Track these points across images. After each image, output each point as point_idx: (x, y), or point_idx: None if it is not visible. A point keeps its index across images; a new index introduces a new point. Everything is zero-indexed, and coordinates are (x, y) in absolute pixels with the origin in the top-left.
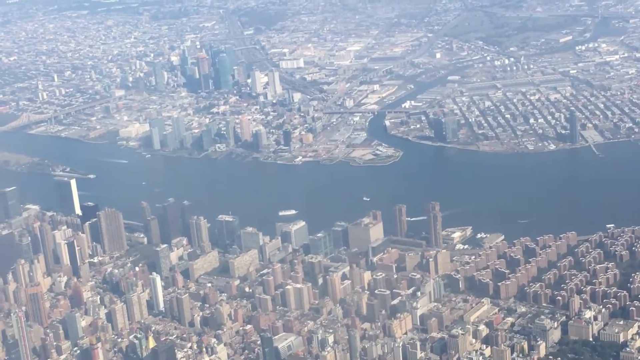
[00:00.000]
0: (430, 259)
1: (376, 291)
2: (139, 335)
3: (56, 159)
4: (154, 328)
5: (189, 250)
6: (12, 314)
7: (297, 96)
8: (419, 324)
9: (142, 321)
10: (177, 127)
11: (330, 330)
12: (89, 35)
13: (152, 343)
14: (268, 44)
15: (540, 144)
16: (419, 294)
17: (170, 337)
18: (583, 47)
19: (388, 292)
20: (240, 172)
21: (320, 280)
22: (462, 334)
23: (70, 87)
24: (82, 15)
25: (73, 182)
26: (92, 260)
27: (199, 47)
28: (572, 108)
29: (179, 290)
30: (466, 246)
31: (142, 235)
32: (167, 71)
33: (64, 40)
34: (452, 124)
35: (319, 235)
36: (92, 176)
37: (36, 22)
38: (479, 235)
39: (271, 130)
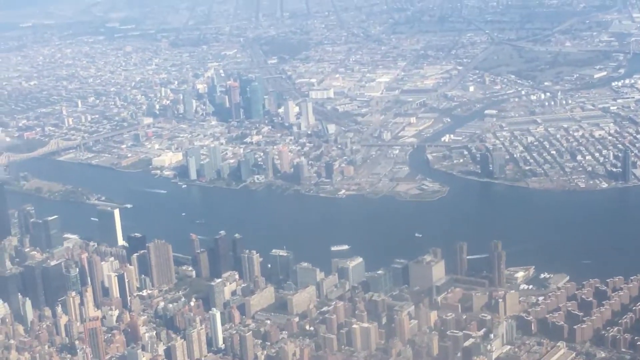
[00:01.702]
0: (500, 300)
1: (448, 332)
2: None
3: (90, 187)
4: None
5: (242, 285)
6: (78, 350)
7: (331, 127)
8: None
9: (203, 359)
10: (214, 157)
11: None
12: (109, 61)
13: None
14: (294, 74)
15: (591, 182)
16: (491, 336)
17: None
18: (619, 83)
19: (460, 333)
20: (283, 205)
21: (385, 320)
22: None
23: (95, 113)
24: (99, 40)
25: (116, 212)
26: (140, 293)
27: (223, 75)
28: (620, 145)
29: (239, 327)
30: (531, 286)
31: (190, 268)
32: (194, 99)
33: (83, 66)
34: (500, 159)
35: (379, 272)
36: (129, 206)
37: (53, 47)
38: (542, 275)
39: (310, 162)
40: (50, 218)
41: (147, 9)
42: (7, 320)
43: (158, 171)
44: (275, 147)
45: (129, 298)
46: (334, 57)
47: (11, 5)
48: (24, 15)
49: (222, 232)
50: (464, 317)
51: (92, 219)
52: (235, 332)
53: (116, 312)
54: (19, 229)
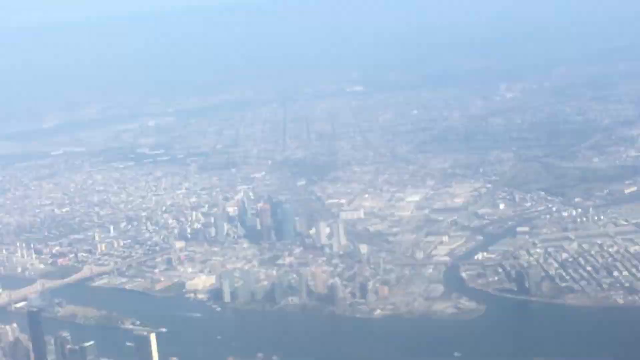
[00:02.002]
0: None
1: None
2: None
3: (124, 311)
4: None
5: None
6: None
7: (363, 248)
8: None
9: None
10: (248, 279)
11: None
12: (139, 186)
13: None
14: (324, 195)
15: (630, 298)
16: None
17: None
18: None
19: None
20: (318, 327)
21: None
22: None
23: (127, 238)
24: (130, 166)
25: (152, 337)
26: None
27: (253, 197)
28: None
29: None
30: None
31: None
32: (226, 222)
33: (114, 192)
34: (535, 276)
35: None
36: (163, 330)
37: (84, 174)
38: None
39: (344, 283)
40: (86, 344)
41: (176, 134)
42: None
43: (192, 294)
44: (308, 268)
45: None
46: (362, 178)
47: (43, 134)
48: (55, 143)
49: (260, 355)
50: None
51: (128, 343)
52: None
53: None
54: (55, 355)
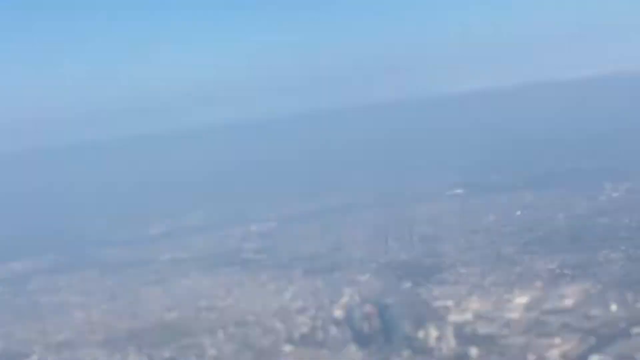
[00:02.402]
0: None
1: None
2: None
3: None
4: None
5: None
6: None
7: (473, 351)
8: None
9: None
10: None
11: None
12: (245, 291)
13: None
14: (430, 297)
15: None
16: None
17: None
18: None
19: None
20: None
21: None
22: None
23: (236, 343)
24: (235, 270)
25: None
26: None
27: (358, 300)
28: None
29: None
30: None
31: None
32: (333, 325)
33: (221, 296)
34: None
35: None
36: None
37: (191, 279)
38: None
39: None
40: None
41: (279, 238)
42: None
43: None
44: None
45: None
46: (468, 279)
47: (150, 241)
48: (161, 249)
49: None
50: None
51: None
52: None
53: None
54: None
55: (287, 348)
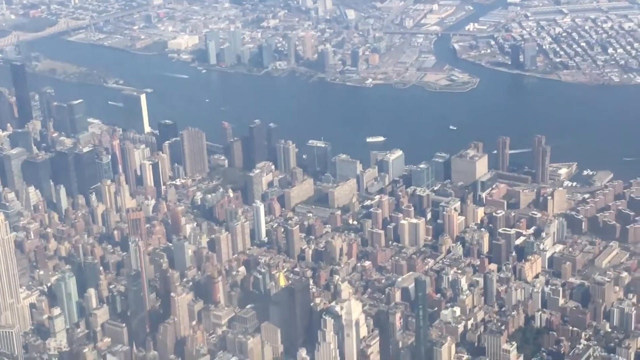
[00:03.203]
0: (549, 197)
1: (499, 230)
2: (262, 270)
3: (105, 69)
4: (263, 260)
5: (280, 176)
6: (130, 243)
7: (350, 13)
8: (547, 267)
9: (247, 252)
10: (234, 41)
11: (459, 271)
12: None
13: (283, 280)
14: None
15: (625, 76)
16: (543, 234)
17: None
18: None
19: (512, 231)
20: (310, 93)
21: (430, 215)
22: (607, 281)
23: None
24: None
25: (143, 97)
26: (174, 182)
27: None
28: None
29: (281, 220)
30: (575, 184)
31: (222, 157)
32: None
33: None
34: (531, 50)
35: (421, 166)
36: (149, 90)
37: None
38: (585, 172)
39: (333, 49)
40: (75, 102)
41: None
42: (40, 207)
43: (175, 55)
44: (297, 32)
45: (162, 187)
46: None
47: None
48: None
49: (257, 121)
50: (512, 214)
51: (110, 102)
52: (278, 225)
53: (152, 202)
54: (40, 112)
55: (157, 1)
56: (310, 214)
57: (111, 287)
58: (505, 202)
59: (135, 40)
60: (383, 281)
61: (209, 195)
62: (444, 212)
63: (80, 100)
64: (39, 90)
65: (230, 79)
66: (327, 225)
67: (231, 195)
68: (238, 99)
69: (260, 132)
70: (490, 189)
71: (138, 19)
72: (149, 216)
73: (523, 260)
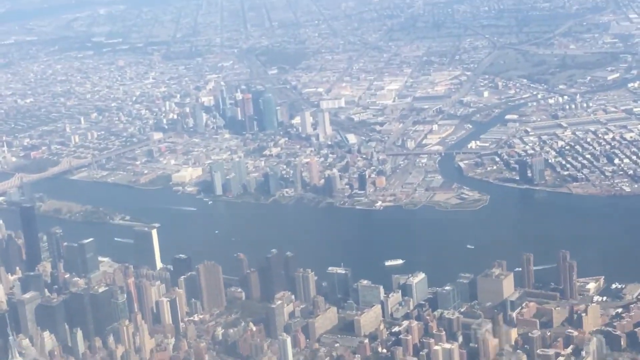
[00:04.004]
0: (582, 314)
1: (537, 351)
2: None
3: (111, 206)
4: None
5: (301, 306)
6: None
7: (351, 137)
8: None
9: None
10: (239, 171)
11: None
12: (103, 76)
13: None
14: (299, 84)
15: (636, 186)
16: (582, 353)
17: None
18: (636, 84)
19: (551, 352)
20: (321, 219)
21: (461, 339)
22: None
23: (100, 129)
24: (89, 55)
25: (154, 233)
26: (192, 318)
27: (225, 86)
28: None
29: (308, 352)
30: (605, 298)
31: (239, 289)
32: (203, 112)
33: (78, 81)
34: (539, 165)
35: (446, 288)
36: (156, 225)
37: (41, 63)
38: (614, 286)
39: (338, 174)
40: (85, 241)
41: (130, 22)
42: (56, 353)
43: (180, 187)
44: (302, 159)
45: (181, 324)
46: (336, 66)
47: None
48: (3, 32)
49: (274, 251)
50: (548, 333)
51: (117, 239)
52: (305, 357)
53: (172, 340)
54: (49, 253)
55: (157, 135)
56: (337, 344)
57: None
58: (538, 321)
59: (138, 175)
60: None
61: (231, 330)
62: (477, 336)
63: (91, 239)
64: (47, 231)
65: (238, 208)
66: (357, 355)
67: (253, 328)
68: (248, 228)
69: (277, 261)
70: (520, 308)
71: (140, 154)
72: (170, 356)
73: None
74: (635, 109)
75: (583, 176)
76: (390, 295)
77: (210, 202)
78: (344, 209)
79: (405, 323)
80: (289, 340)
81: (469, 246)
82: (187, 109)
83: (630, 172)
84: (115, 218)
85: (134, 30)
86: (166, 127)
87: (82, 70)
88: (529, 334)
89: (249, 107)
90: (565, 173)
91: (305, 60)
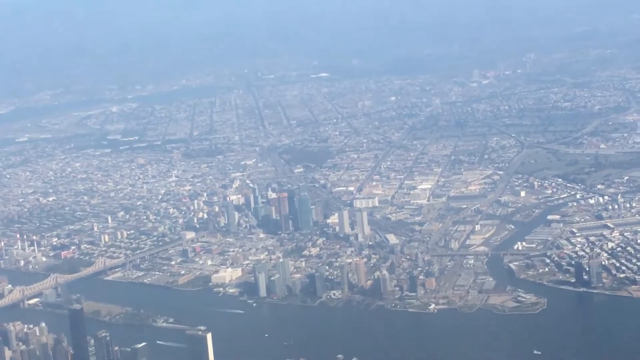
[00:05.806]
0: None
1: None
2: None
3: (152, 308)
4: None
5: None
6: None
7: (391, 237)
8: None
9: None
10: (283, 272)
11: None
12: (125, 174)
13: None
14: (328, 182)
15: None
16: None
17: None
18: None
19: None
20: (373, 322)
21: None
22: None
23: (129, 229)
24: (106, 153)
25: (209, 337)
26: None
27: (251, 185)
28: None
29: None
30: None
31: None
32: (235, 211)
33: (99, 179)
34: (597, 267)
35: None
36: (202, 328)
37: (59, 161)
38: None
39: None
40: (138, 346)
41: (144, 120)
42: None
43: (220, 289)
44: (345, 259)
45: None
46: (363, 165)
47: (1, 120)
48: (16, 130)
49: (341, 357)
50: None
51: (159, 342)
52: None
53: None
54: (96, 358)
55: (189, 235)
56: None
57: None
58: None
59: (176, 276)
60: None
61: None
62: None
63: (144, 344)
64: (93, 334)
65: (285, 311)
66: None
67: None
68: (299, 331)
69: None
70: None
71: (174, 254)
72: None
73: None
74: None
75: None
76: None
77: (254, 304)
78: (397, 311)
79: None
80: None
81: (535, 352)
82: (217, 208)
83: None
84: (158, 321)
85: (149, 128)
86: (197, 226)
87: (101, 168)
88: None
89: (284, 206)
90: (622, 275)
91: (330, 159)
